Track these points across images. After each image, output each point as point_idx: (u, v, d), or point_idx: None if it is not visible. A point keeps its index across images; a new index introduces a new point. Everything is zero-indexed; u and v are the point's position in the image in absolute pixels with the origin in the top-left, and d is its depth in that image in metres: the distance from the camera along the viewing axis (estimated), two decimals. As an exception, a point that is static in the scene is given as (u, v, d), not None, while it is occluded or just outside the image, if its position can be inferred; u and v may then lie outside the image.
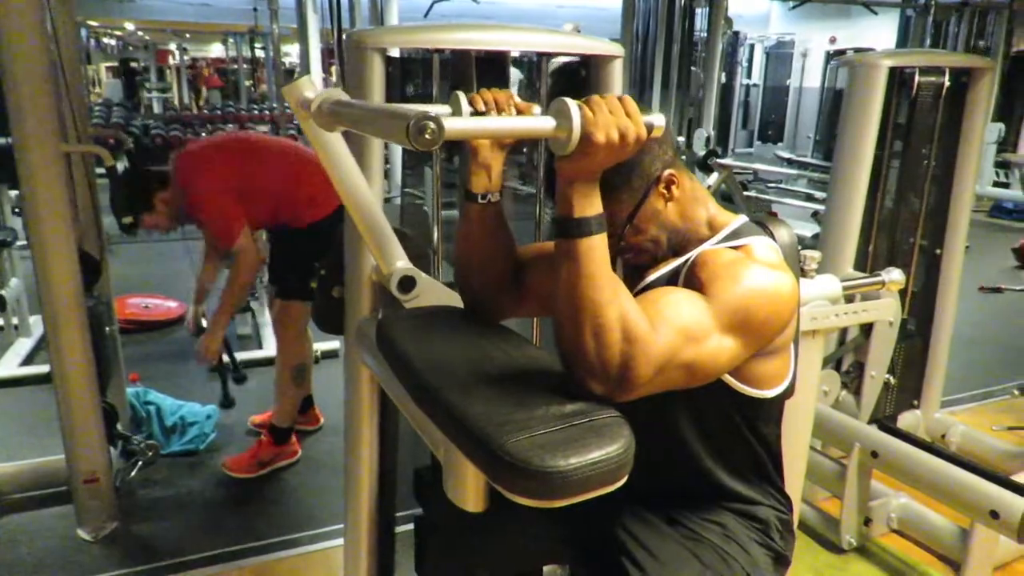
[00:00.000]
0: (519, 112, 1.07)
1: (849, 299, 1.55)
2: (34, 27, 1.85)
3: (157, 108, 12.81)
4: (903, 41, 8.21)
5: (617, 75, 1.57)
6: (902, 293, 2.62)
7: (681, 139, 6.49)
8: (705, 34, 6.51)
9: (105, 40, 15.57)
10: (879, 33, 10.48)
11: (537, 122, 0.89)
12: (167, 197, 2.34)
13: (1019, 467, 2.38)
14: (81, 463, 2.17)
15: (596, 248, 0.88)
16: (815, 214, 3.79)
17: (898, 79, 2.33)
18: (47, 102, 1.90)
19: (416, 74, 2.04)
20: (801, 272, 1.39)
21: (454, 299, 1.29)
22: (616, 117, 0.85)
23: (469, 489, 0.95)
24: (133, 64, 13.98)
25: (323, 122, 1.04)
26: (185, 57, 15.70)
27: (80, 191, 2.35)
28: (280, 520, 2.32)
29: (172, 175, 2.33)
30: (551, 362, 1.00)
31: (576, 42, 1.56)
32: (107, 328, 2.48)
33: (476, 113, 1.06)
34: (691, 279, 1.00)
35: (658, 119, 0.91)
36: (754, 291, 0.96)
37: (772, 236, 1.14)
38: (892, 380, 2.65)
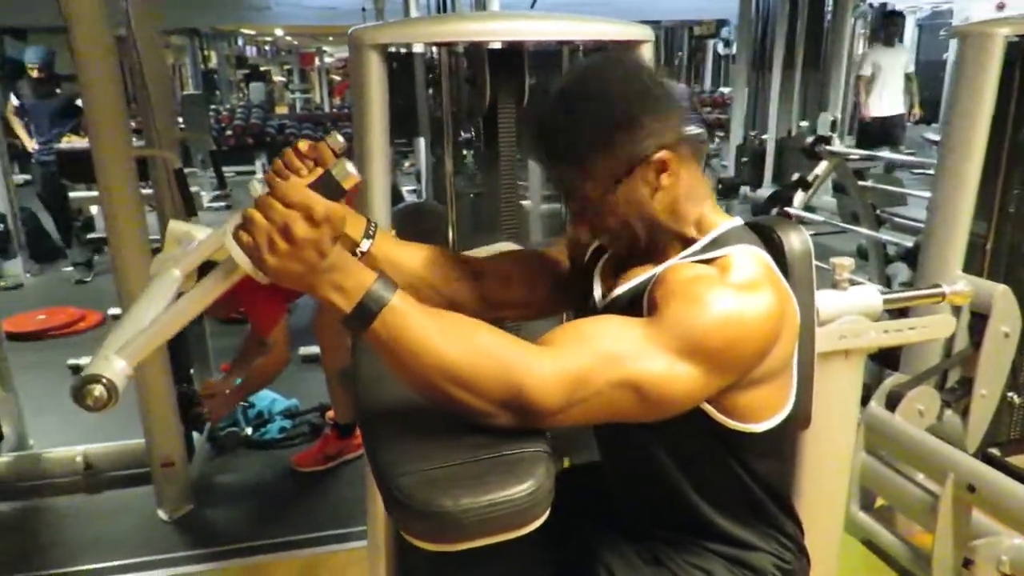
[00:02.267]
0: (317, 163, 0.94)
1: (902, 313, 1.33)
2: (103, 39, 1.96)
3: (300, 108, 13.65)
4: (1082, 4, 7.15)
5: (647, 60, 1.43)
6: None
7: (805, 124, 6.03)
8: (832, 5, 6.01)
9: (250, 46, 16.75)
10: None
11: (216, 282, 0.79)
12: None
13: None
14: (159, 448, 2.31)
15: (394, 318, 0.76)
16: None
17: (1022, 51, 2.00)
18: (117, 108, 2.02)
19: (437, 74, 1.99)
20: (833, 284, 1.20)
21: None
22: (272, 219, 0.71)
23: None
24: (264, 69, 14.97)
25: None
26: (328, 59, 16.64)
27: (166, 193, 2.50)
28: (339, 512, 2.36)
29: None
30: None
31: (599, 28, 1.43)
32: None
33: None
34: (650, 298, 0.88)
35: (341, 169, 0.76)
36: (711, 313, 0.82)
37: (780, 243, 0.99)
38: (1016, 399, 2.30)
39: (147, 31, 2.34)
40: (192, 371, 2.70)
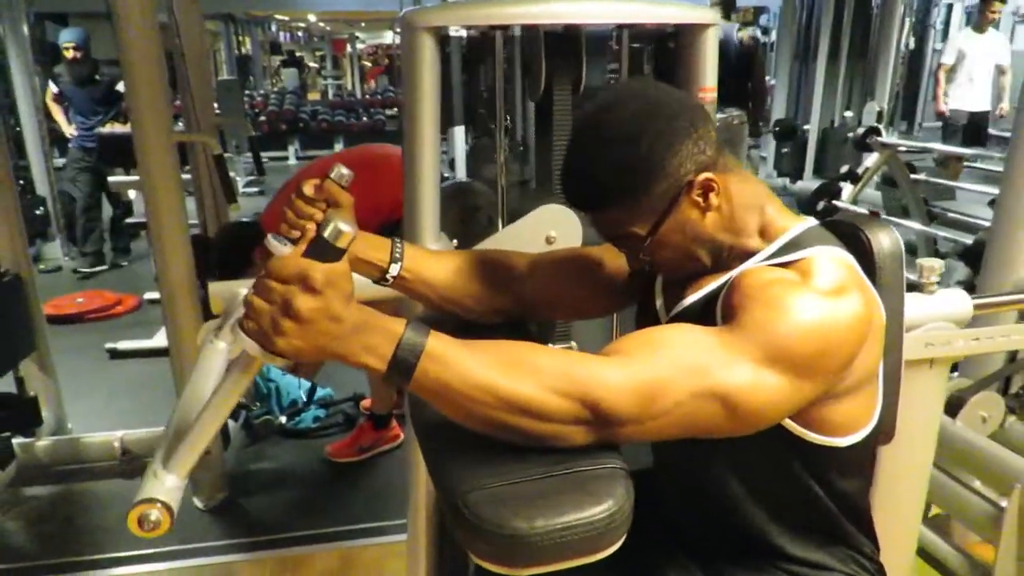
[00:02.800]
0: (328, 203, 0.92)
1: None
2: (147, 24, 1.93)
3: (332, 94, 13.67)
4: None
5: (711, 46, 1.35)
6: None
7: (850, 114, 5.87)
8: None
9: (283, 32, 16.81)
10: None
11: (238, 378, 0.76)
12: (262, 252, 2.37)
13: None
14: (195, 435, 2.30)
15: (435, 363, 0.69)
16: (992, 202, 3.23)
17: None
18: (160, 93, 1.99)
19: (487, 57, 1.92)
20: (919, 287, 1.12)
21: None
22: (272, 300, 0.66)
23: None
24: (299, 55, 15.01)
25: None
26: (360, 45, 16.65)
27: (204, 179, 2.48)
28: (375, 505, 2.33)
29: (264, 229, 2.38)
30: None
31: (660, 11, 1.36)
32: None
33: (292, 241, 0.95)
34: (726, 305, 0.81)
35: (333, 230, 0.67)
36: (798, 318, 0.76)
37: (868, 244, 0.91)
38: (1085, 406, 2.18)
39: (190, 16, 2.31)
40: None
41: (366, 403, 2.83)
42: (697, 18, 1.33)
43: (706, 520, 0.98)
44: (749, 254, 0.89)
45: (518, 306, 1.08)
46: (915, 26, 10.09)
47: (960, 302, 1.14)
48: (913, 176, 3.40)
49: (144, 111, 1.99)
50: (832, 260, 0.83)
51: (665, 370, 0.73)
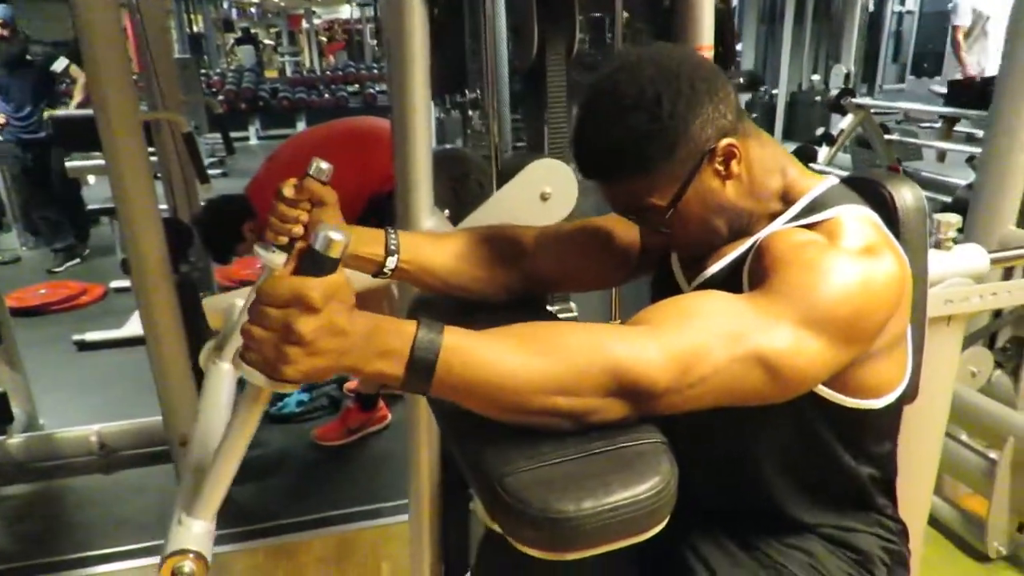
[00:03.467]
0: (312, 202, 0.89)
1: (1007, 274, 1.23)
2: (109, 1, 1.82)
3: (290, 71, 13.33)
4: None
5: (708, 2, 1.31)
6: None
7: (816, 77, 5.90)
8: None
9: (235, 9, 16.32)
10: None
11: (249, 412, 0.73)
12: (254, 225, 2.29)
13: None
14: (176, 425, 2.22)
15: (456, 356, 0.65)
16: (971, 159, 3.27)
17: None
18: (123, 71, 1.89)
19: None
20: (936, 244, 1.10)
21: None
22: (271, 327, 0.60)
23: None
24: (253, 32, 14.62)
25: None
26: (316, 21, 16.23)
27: (172, 160, 2.38)
28: (367, 487, 2.29)
29: (251, 203, 2.28)
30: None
31: (655, -33, 1.31)
32: (202, 293, 2.52)
33: (282, 248, 0.90)
34: (754, 270, 0.78)
35: (324, 241, 0.61)
36: (834, 280, 0.73)
37: (892, 201, 0.89)
38: (1067, 358, 2.22)
39: (148, -12, 2.19)
40: (206, 345, 2.60)
41: (351, 385, 2.78)
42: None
43: (727, 489, 0.96)
44: (771, 217, 0.86)
45: (526, 283, 1.04)
46: (873, -13, 10.15)
47: (978, 257, 1.13)
48: (887, 136, 3.42)
49: (108, 90, 1.88)
50: (858, 219, 0.80)
51: (701, 337, 0.70)
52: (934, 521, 2.01)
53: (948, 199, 2.88)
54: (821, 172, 0.90)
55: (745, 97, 6.34)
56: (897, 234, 0.87)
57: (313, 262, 0.62)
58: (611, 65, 0.84)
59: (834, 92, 3.44)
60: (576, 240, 1.03)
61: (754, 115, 6.22)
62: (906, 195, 0.88)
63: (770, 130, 6.09)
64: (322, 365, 0.61)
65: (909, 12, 11.49)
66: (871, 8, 10.14)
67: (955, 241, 1.11)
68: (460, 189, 1.54)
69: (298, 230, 0.90)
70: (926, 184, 3.42)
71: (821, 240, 0.78)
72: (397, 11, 1.18)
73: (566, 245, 1.03)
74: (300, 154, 2.30)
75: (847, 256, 0.76)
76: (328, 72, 11.24)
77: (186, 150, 2.10)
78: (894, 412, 0.87)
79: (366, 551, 2.03)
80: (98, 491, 2.33)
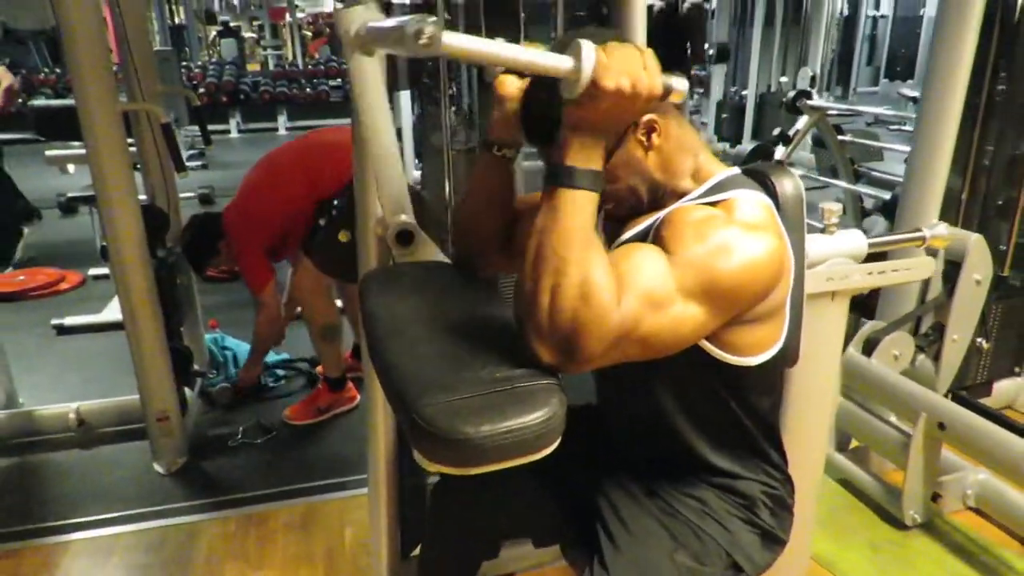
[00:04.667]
0: None
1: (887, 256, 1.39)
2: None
3: (272, 65, 13.32)
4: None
5: (640, 10, 1.45)
6: (1003, 248, 2.36)
7: (785, 79, 6.06)
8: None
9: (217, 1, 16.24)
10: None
11: (547, 57, 0.81)
12: (226, 244, 2.57)
13: None
14: (153, 402, 2.34)
15: (579, 202, 0.83)
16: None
17: (1000, 6, 2.04)
18: (103, 62, 1.99)
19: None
20: (821, 228, 1.25)
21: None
22: (630, 67, 0.79)
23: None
24: (235, 25, 14.57)
25: (356, 45, 1.04)
26: (300, 15, 16.20)
27: (150, 148, 2.48)
28: (334, 463, 2.41)
29: (226, 227, 2.55)
30: (511, 325, 0.95)
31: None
32: (180, 276, 2.63)
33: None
34: (657, 238, 0.92)
35: (679, 83, 0.85)
36: (722, 253, 0.87)
37: (773, 188, 1.03)
38: (985, 344, 2.40)
39: (127, -18, 2.29)
40: (182, 328, 2.71)
41: (320, 368, 2.90)
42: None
43: (645, 443, 1.10)
44: (681, 194, 1.00)
45: (503, 254, 1.16)
46: (848, -8, 10.37)
47: (857, 240, 1.28)
48: (841, 137, 3.58)
49: (87, 81, 1.98)
50: (752, 201, 0.94)
51: (634, 310, 0.84)
52: (859, 493, 2.17)
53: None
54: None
55: (721, 68, 6.52)
56: (780, 217, 1.01)
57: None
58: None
59: (791, 94, 3.60)
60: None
61: (725, 115, 6.41)
62: (786, 184, 1.02)
63: (740, 130, 6.28)
64: (607, 105, 0.81)
65: (883, 16, 11.76)
66: (846, 12, 10.39)
67: (836, 227, 1.26)
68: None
69: None
70: (876, 182, 3.60)
71: (719, 215, 0.92)
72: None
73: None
74: (266, 177, 2.52)
75: (736, 229, 0.90)
76: (310, 67, 11.27)
77: (164, 140, 2.21)
78: (771, 370, 1.02)
79: (331, 519, 2.15)
80: (77, 465, 2.43)
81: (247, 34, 17.39)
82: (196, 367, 2.77)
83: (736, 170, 1.01)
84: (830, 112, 3.72)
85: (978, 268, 2.00)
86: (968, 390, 2.44)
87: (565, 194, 0.83)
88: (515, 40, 1.47)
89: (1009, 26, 2.10)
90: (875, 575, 1.90)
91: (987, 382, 2.49)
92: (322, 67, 10.70)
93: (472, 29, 1.45)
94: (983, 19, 1.95)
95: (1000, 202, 2.33)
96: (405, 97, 2.85)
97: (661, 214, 0.97)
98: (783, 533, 1.08)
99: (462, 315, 1.00)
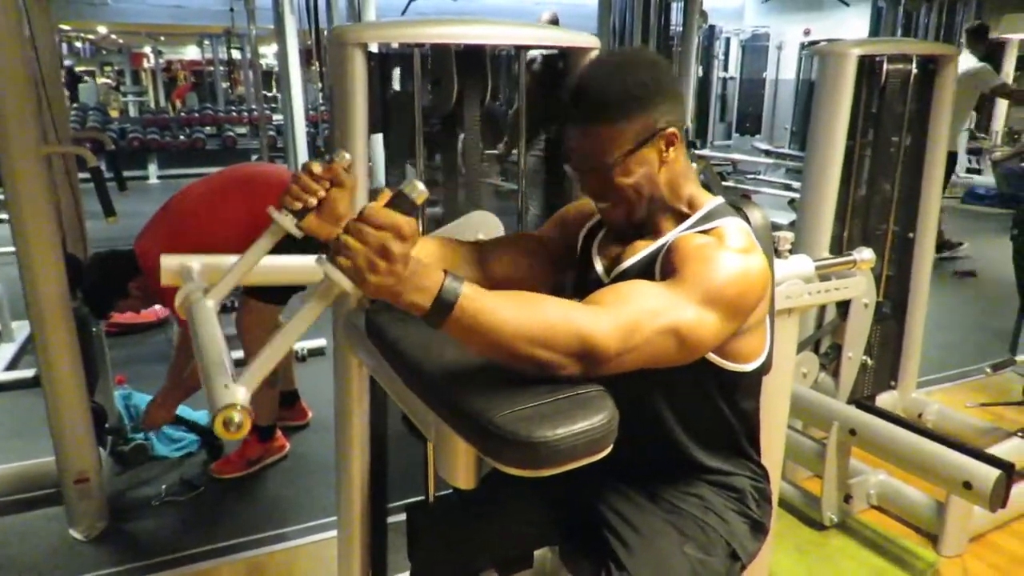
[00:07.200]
0: (334, 183, 1.08)
1: (824, 279, 1.60)
2: (12, 32, 1.85)
3: (133, 112, 12.69)
4: (876, 31, 8.33)
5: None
6: (877, 276, 2.70)
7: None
8: (681, 28, 6.55)
9: (76, 44, 15.41)
10: (852, 24, 10.60)
11: (317, 305, 0.83)
12: (139, 283, 2.34)
13: (991, 441, 2.46)
14: (71, 463, 2.18)
15: (470, 303, 0.85)
16: (791, 202, 3.86)
17: (868, 68, 2.40)
18: (27, 104, 1.91)
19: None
20: (775, 253, 1.44)
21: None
22: (368, 243, 0.78)
23: (460, 466, 0.98)
24: (81, 70, 13.88)
25: None
26: (160, 60, 15.59)
27: (63, 194, 2.36)
28: (271, 515, 2.33)
29: (137, 261, 2.31)
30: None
31: (553, 35, 1.60)
32: (93, 329, 2.48)
33: (293, 212, 1.07)
34: (666, 265, 1.04)
35: (413, 189, 0.83)
36: (724, 270, 1.00)
37: (746, 218, 1.19)
38: (869, 361, 2.72)
39: (43, 25, 2.21)
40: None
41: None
42: (581, 42, 1.58)
43: (639, 447, 1.20)
44: (674, 217, 1.14)
45: (481, 283, 1.23)
46: (701, 56, 11.38)
47: (806, 264, 1.48)
48: (724, 183, 3.96)
49: (10, 123, 1.89)
50: (738, 228, 1.09)
51: (635, 314, 0.94)
52: (782, 501, 2.38)
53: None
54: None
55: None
56: (752, 243, 1.17)
57: (401, 203, 0.81)
58: (618, 50, 1.12)
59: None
60: (518, 244, 1.27)
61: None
62: (756, 215, 1.18)
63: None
64: (389, 283, 0.80)
65: (732, 78, 12.98)
66: (701, 74, 11.39)
67: (790, 252, 1.46)
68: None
69: (313, 201, 1.07)
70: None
71: (713, 241, 1.06)
72: (340, 62, 1.37)
73: (511, 248, 1.25)
74: (199, 204, 2.34)
75: (732, 253, 1.03)
76: (183, 113, 10.86)
77: (95, 184, 2.12)
78: (756, 377, 1.16)
79: (278, 571, 2.08)
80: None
81: (101, 80, 16.51)
82: (107, 424, 2.59)
83: (720, 199, 1.16)
84: (712, 160, 4.12)
85: (866, 294, 2.29)
86: (856, 402, 2.74)
87: (458, 317, 0.84)
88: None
89: (877, 87, 2.45)
90: (805, 575, 2.08)
91: (872, 395, 2.81)
92: (196, 114, 10.34)
93: (443, 84, 1.54)
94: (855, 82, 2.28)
95: (872, 238, 2.68)
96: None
97: (661, 241, 1.10)
98: (767, 521, 1.22)
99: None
